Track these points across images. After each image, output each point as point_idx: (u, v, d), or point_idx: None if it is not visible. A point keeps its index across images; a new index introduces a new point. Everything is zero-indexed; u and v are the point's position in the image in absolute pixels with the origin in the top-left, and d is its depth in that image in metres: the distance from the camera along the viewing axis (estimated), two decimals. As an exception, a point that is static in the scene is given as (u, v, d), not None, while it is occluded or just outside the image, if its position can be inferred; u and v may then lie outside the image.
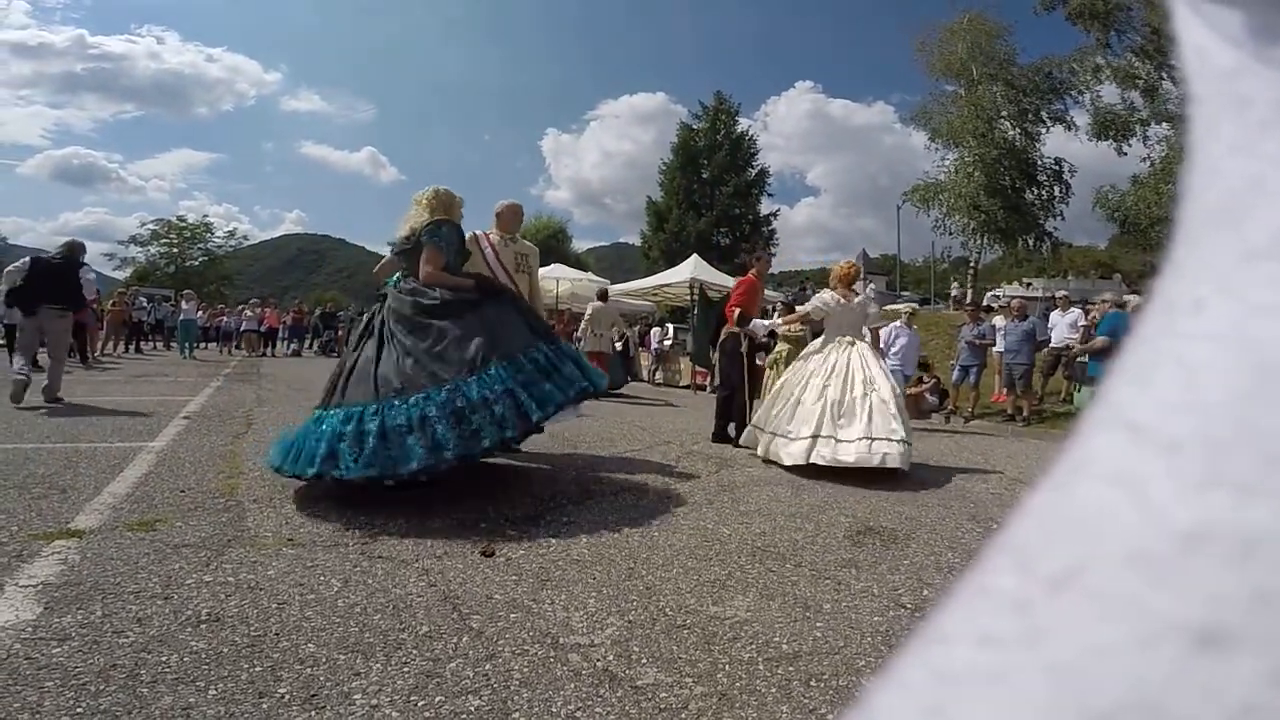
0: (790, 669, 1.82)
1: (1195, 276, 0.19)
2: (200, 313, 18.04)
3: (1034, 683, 0.15)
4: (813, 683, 1.75)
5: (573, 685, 1.67)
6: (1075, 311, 9.07)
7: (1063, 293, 10.25)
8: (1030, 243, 20.98)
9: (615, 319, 9.93)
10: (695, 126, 31.39)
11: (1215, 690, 0.13)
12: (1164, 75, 17.12)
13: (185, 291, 19.06)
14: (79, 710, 1.42)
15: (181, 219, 45.35)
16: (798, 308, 5.70)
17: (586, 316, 9.43)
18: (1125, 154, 18.61)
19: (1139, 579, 0.15)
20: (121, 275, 41.75)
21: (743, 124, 31.61)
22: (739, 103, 31.61)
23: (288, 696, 1.53)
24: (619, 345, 14.18)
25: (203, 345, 18.79)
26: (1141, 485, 0.16)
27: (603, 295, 9.69)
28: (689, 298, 13.07)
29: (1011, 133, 20.09)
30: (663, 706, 1.60)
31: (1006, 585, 0.18)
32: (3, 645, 1.67)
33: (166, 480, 3.39)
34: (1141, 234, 18.46)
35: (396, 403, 3.02)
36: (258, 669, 1.64)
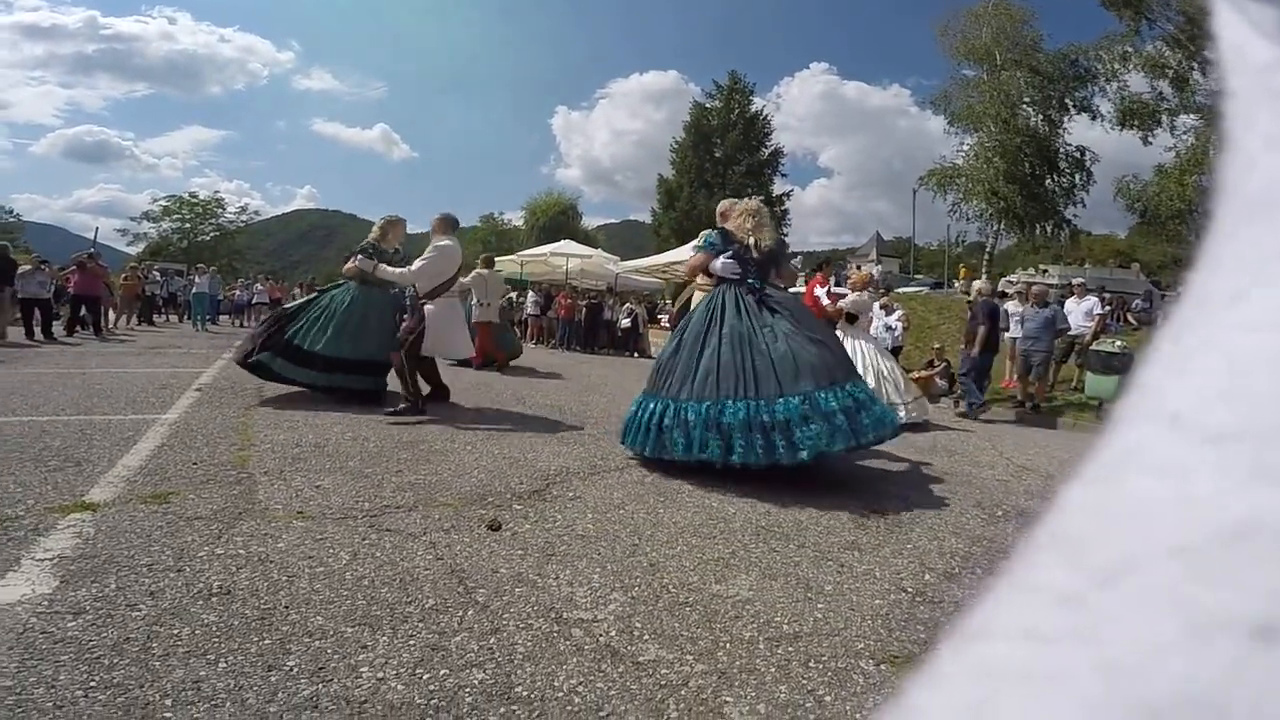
0: (790, 649, 1.84)
1: (1233, 267, 0.18)
2: (220, 289, 18.18)
3: (1086, 679, 0.15)
4: (812, 663, 1.77)
5: (575, 660, 1.70)
6: (1091, 299, 8.97)
7: (1079, 280, 10.11)
8: (1049, 230, 20.72)
9: (502, 288, 9.35)
10: (709, 105, 31.01)
11: (1277, 685, 0.13)
12: (1194, 65, 16.69)
13: (198, 266, 19.19)
14: (93, 684, 1.45)
15: (193, 195, 45.49)
16: (840, 303, 6.34)
17: (467, 282, 8.95)
18: (1150, 143, 18.27)
19: (1191, 573, 0.15)
20: (134, 250, 42.05)
21: (757, 103, 31.19)
22: (754, 83, 31.17)
23: (296, 669, 1.56)
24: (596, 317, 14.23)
25: (225, 318, 19.01)
26: (1189, 477, 0.16)
27: (489, 262, 8.96)
28: (700, 276, 13.00)
29: (1034, 119, 19.74)
30: (663, 683, 1.62)
31: (1053, 579, 0.17)
32: (19, 620, 1.70)
33: (179, 452, 3.44)
34: (1162, 225, 18.16)
35: (841, 389, 3.44)
36: (267, 642, 1.67)
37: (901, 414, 5.42)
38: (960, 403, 8.22)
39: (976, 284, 8.66)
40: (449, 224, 5.37)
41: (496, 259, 20.49)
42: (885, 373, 5.88)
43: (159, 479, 2.97)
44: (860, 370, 4.57)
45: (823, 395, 3.36)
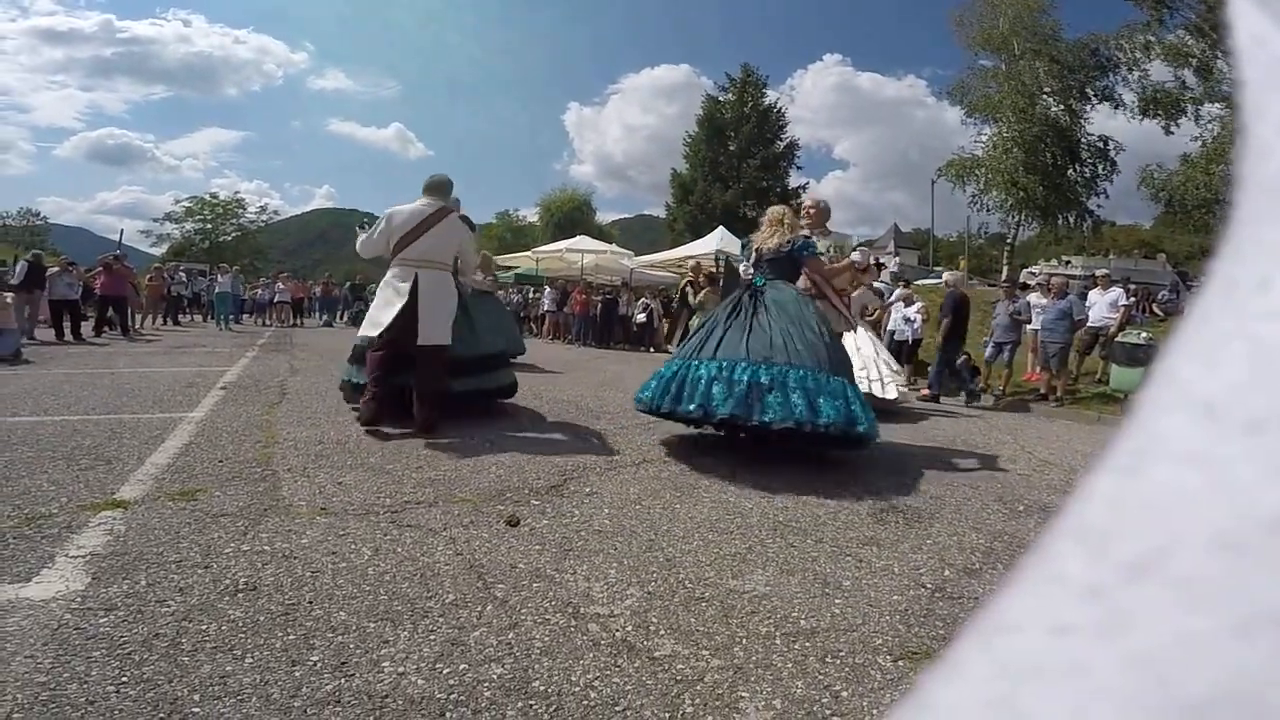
0: (807, 645, 1.84)
1: (1257, 255, 0.18)
2: (243, 288, 18.48)
3: (1115, 673, 0.15)
4: (829, 659, 1.77)
5: (592, 655, 1.71)
6: (1116, 290, 8.80)
7: (1103, 271, 9.93)
8: (1071, 220, 20.40)
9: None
10: (721, 99, 30.83)
11: None
12: (1218, 54, 16.30)
13: (221, 265, 19.50)
14: (124, 680, 1.48)
15: (214, 196, 46.25)
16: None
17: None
18: (1173, 133, 17.89)
19: (1228, 565, 0.14)
20: (158, 251, 42.87)
21: (770, 96, 30.95)
22: (766, 75, 30.93)
23: (319, 664, 1.59)
24: (641, 314, 14.22)
25: (248, 317, 19.33)
26: (1222, 468, 0.16)
27: None
28: (714, 269, 13.03)
29: (1054, 109, 19.41)
30: (679, 678, 1.63)
31: (1077, 571, 0.17)
32: (54, 616, 1.75)
33: (205, 450, 3.51)
34: (1188, 214, 17.78)
35: (763, 367, 3.62)
36: (291, 637, 1.70)
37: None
38: (981, 395, 8.14)
39: (946, 275, 8.78)
40: (428, 186, 4.45)
41: (512, 256, 20.61)
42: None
43: (186, 476, 3.03)
44: None
45: (742, 365, 3.64)
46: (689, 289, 10.59)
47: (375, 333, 4.13)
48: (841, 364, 3.81)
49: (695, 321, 8.47)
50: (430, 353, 4.16)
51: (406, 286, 4.14)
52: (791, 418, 3.45)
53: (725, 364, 3.68)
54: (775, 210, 4.47)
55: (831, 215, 4.89)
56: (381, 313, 4.17)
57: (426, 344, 4.12)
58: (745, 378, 3.57)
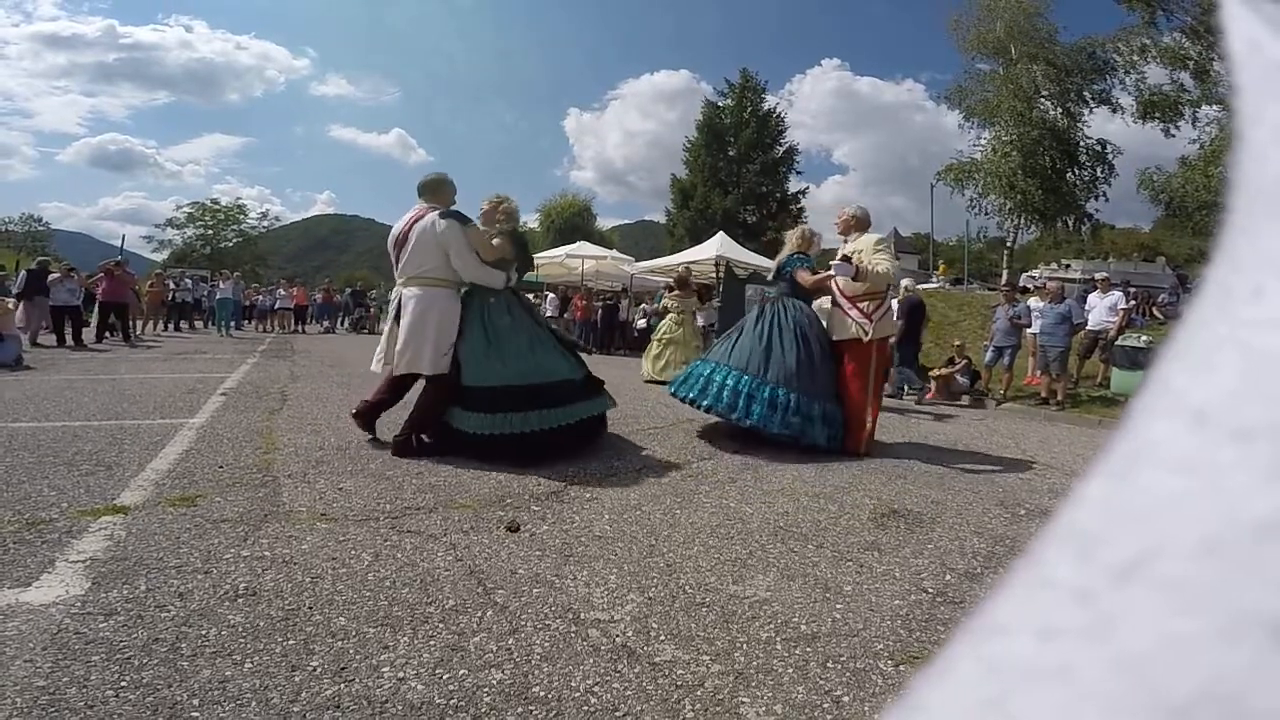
0: (808, 650, 1.83)
1: (1251, 263, 0.18)
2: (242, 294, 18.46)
3: (1102, 676, 0.15)
4: (830, 664, 1.77)
5: (592, 660, 1.71)
6: (1115, 294, 8.80)
7: (1102, 275, 9.94)
8: (1070, 224, 20.40)
9: None
10: (721, 104, 30.88)
11: None
12: (1215, 56, 16.35)
13: (223, 272, 19.51)
14: (123, 684, 1.49)
15: (215, 202, 46.35)
16: None
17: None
18: (1173, 135, 17.90)
19: (1215, 569, 0.15)
20: (160, 257, 42.95)
21: (769, 101, 30.99)
22: (765, 80, 30.97)
23: (319, 669, 1.59)
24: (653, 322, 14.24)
25: (249, 323, 19.35)
26: (1212, 474, 0.16)
27: None
28: (714, 275, 13.03)
29: (1052, 113, 19.44)
30: (679, 684, 1.63)
31: (1066, 575, 0.17)
32: (54, 620, 1.75)
33: (206, 456, 3.51)
34: (1188, 217, 17.79)
35: (720, 368, 4.58)
36: (291, 642, 1.70)
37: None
38: (983, 400, 8.14)
39: (905, 282, 9.03)
40: (418, 187, 3.97)
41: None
42: None
43: (187, 482, 3.03)
44: None
45: (714, 366, 4.61)
46: (664, 293, 10.89)
47: (377, 368, 3.89)
48: (785, 370, 4.35)
49: (663, 323, 9.12)
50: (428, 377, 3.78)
51: (392, 310, 3.78)
52: (717, 407, 4.41)
53: (710, 365, 4.68)
54: (790, 231, 5.01)
55: (869, 221, 4.72)
56: (385, 344, 3.87)
57: (400, 372, 3.78)
58: (705, 373, 4.63)
